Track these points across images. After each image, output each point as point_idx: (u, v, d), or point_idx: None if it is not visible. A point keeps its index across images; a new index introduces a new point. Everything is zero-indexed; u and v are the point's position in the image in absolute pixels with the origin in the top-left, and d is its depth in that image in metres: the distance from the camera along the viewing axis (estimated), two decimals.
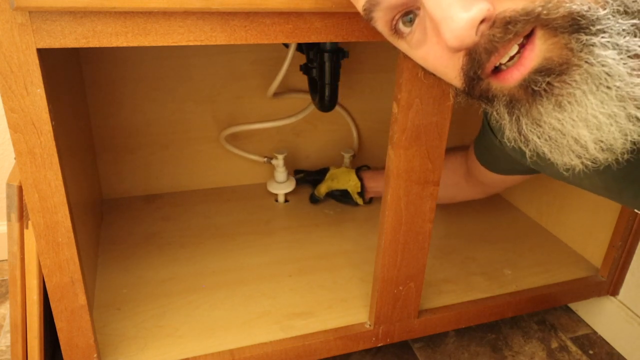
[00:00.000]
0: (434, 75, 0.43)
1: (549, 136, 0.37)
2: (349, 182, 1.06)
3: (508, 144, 0.44)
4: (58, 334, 0.60)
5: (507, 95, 0.38)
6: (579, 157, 0.38)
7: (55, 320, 0.59)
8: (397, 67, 0.59)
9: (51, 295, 0.58)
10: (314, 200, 1.10)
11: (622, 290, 0.93)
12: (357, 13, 0.44)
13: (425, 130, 0.63)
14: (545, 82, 0.35)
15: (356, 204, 1.10)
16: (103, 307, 0.78)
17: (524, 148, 0.40)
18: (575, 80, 0.34)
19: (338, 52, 0.90)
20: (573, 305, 1.02)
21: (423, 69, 0.44)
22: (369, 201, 1.11)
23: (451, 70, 0.40)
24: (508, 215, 1.13)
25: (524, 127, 0.38)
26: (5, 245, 1.07)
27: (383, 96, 1.16)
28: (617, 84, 0.33)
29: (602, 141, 0.36)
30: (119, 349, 0.71)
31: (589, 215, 0.96)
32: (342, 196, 1.09)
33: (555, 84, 0.35)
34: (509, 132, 0.40)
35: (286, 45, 0.95)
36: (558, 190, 1.04)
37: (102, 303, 0.79)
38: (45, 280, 0.57)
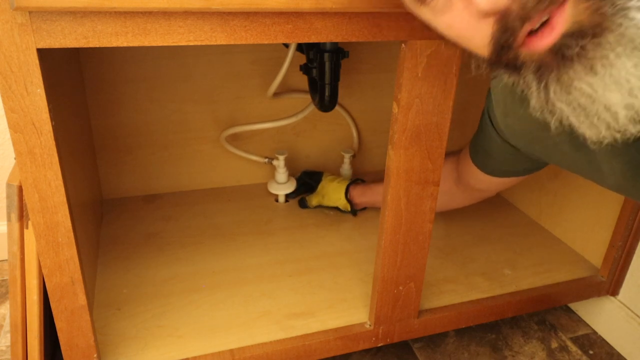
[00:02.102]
0: (455, 45, 0.42)
1: (578, 103, 0.36)
2: (339, 200, 1.06)
3: (533, 114, 0.41)
4: (58, 334, 0.60)
5: (536, 61, 0.37)
6: (608, 127, 0.36)
7: (55, 320, 0.59)
8: (397, 67, 0.59)
9: (51, 295, 0.58)
10: (303, 205, 1.09)
11: (622, 290, 0.93)
12: (357, 13, 0.43)
13: (425, 130, 0.63)
14: (579, 45, 0.34)
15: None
16: (103, 307, 0.78)
17: (549, 119, 0.39)
18: (609, 42, 0.33)
19: (338, 52, 0.90)
20: (573, 305, 1.02)
21: (444, 38, 0.42)
22: (363, 208, 1.10)
23: (479, 38, 0.39)
24: (508, 215, 1.13)
25: (552, 94, 0.37)
26: (5, 245, 1.07)
27: (383, 96, 1.16)
28: None
29: (633, 108, 0.35)
30: (119, 349, 0.71)
31: (589, 215, 0.96)
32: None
33: (589, 47, 0.34)
34: (536, 101, 0.39)
35: (286, 45, 0.95)
36: (558, 190, 1.04)
37: (102, 303, 0.79)
38: (45, 280, 0.57)
